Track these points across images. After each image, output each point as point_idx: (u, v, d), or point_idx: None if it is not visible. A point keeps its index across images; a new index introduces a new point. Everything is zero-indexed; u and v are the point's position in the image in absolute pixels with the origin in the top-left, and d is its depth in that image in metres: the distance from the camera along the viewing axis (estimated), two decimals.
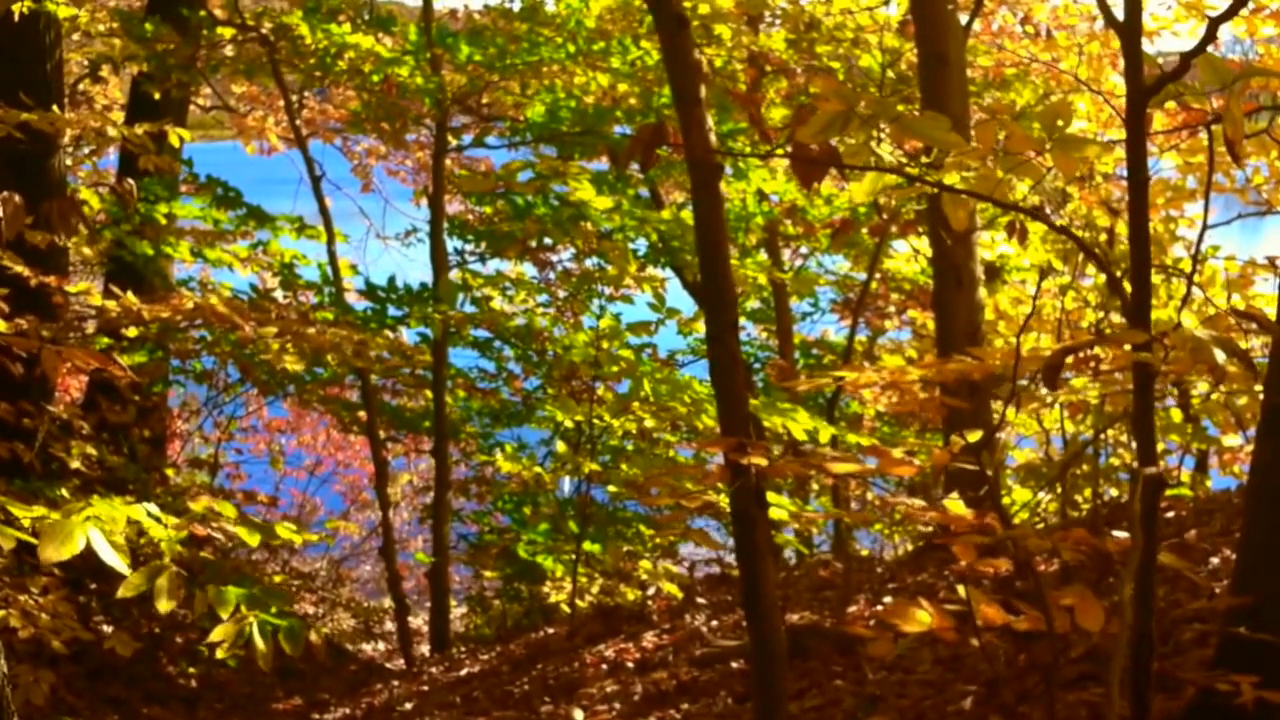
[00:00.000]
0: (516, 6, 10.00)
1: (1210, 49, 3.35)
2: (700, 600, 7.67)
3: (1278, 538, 4.36)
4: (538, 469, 8.40)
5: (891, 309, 12.51)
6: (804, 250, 12.23)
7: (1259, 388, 4.54)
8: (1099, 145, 4.11)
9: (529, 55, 8.82)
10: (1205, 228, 6.68)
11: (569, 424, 8.25)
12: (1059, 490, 9.34)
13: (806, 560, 9.16)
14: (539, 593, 8.69)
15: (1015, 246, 9.59)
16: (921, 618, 3.51)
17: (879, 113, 3.64)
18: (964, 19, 8.44)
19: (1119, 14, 3.13)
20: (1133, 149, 3.01)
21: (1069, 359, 3.65)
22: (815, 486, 10.14)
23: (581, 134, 8.72)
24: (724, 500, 4.79)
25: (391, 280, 8.93)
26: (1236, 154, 3.53)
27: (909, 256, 11.43)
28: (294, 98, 10.92)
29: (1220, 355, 3.18)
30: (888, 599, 6.72)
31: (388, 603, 10.89)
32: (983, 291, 8.22)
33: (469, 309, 9.11)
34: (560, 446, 8.49)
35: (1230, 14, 2.81)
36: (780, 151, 5.46)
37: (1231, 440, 9.39)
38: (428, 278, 9.30)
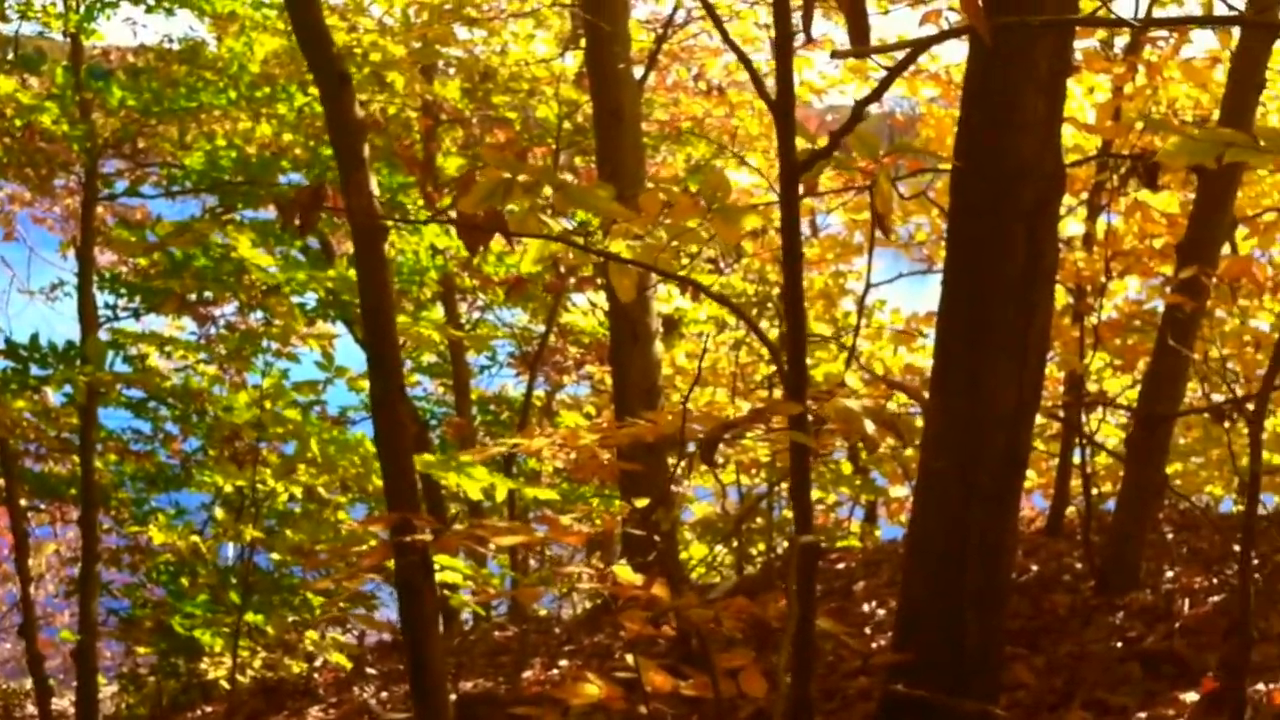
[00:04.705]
0: (176, 47, 9.59)
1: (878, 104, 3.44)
2: (370, 670, 7.44)
3: (933, 597, 4.50)
4: (194, 537, 7.97)
5: (570, 363, 12.54)
6: (481, 303, 12.15)
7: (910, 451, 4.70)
8: (759, 213, 4.15)
9: (188, 100, 8.42)
10: (869, 286, 6.91)
11: (229, 488, 7.88)
12: (735, 544, 9.52)
13: (482, 624, 9.01)
14: (197, 669, 8.24)
15: (691, 301, 9.77)
16: (590, 690, 3.49)
17: (542, 181, 3.58)
18: (639, 72, 8.54)
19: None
20: (787, 225, 3.03)
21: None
22: (493, 546, 9.99)
23: (244, 184, 8.37)
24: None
25: (34, 338, 8.33)
26: (885, 227, 3.62)
27: (586, 310, 11.50)
28: None
29: (870, 425, 3.24)
30: (564, 662, 6.66)
31: (29, 684, 10.13)
32: (659, 346, 8.29)
33: (121, 367, 8.59)
34: (219, 513, 8.10)
35: (875, 97, 2.86)
36: (445, 216, 5.33)
37: (898, 491, 9.75)
38: (75, 334, 8.74)
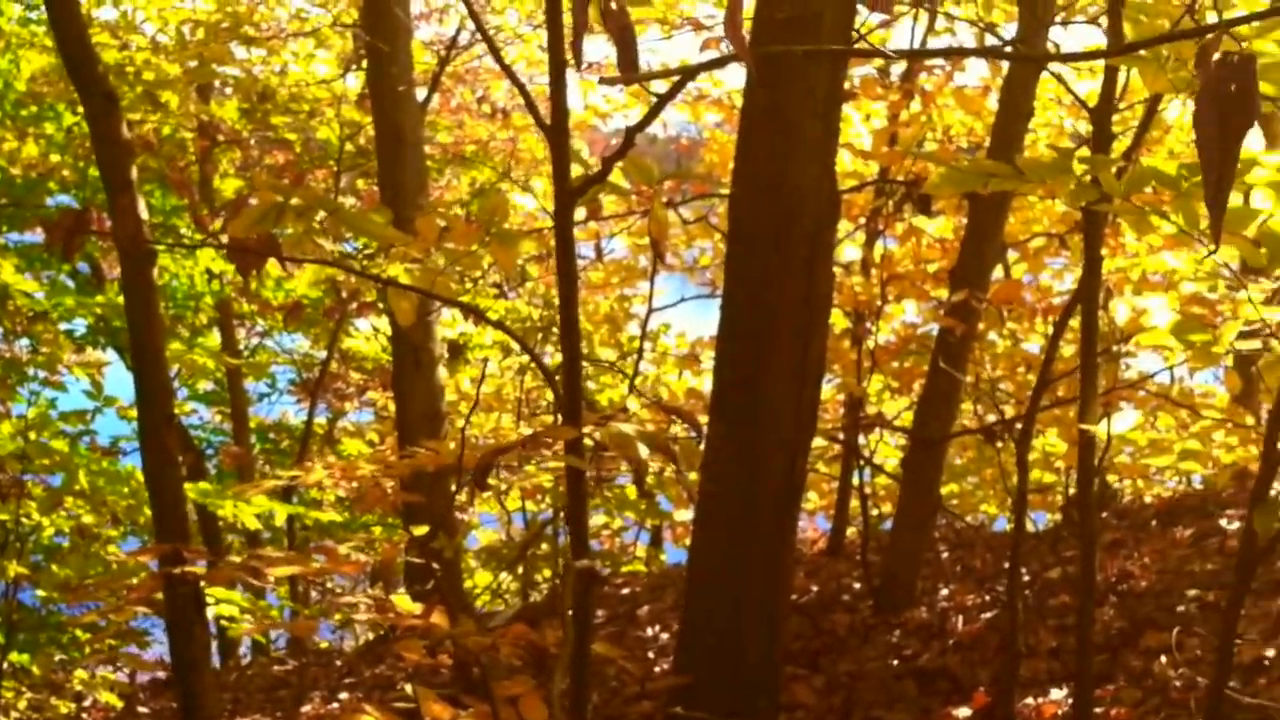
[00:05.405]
0: None
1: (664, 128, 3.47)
2: (142, 709, 7.16)
3: (714, 619, 4.54)
4: None
5: (352, 390, 12.32)
6: (260, 329, 11.85)
7: (695, 475, 4.74)
8: (538, 238, 4.15)
9: None
10: (651, 310, 6.94)
11: None
12: (520, 571, 9.46)
13: (260, 658, 8.76)
14: None
15: (475, 325, 9.69)
16: None
17: (315, 206, 3.51)
18: (422, 94, 8.45)
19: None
20: (561, 250, 3.02)
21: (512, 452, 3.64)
22: (270, 577, 9.73)
23: (9, 206, 8.00)
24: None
25: None
26: (660, 252, 3.65)
27: (369, 335, 11.32)
28: None
29: (644, 450, 3.25)
30: (344, 695, 6.52)
31: None
32: (443, 372, 8.20)
33: None
34: None
35: (645, 123, 2.87)
36: (217, 240, 5.17)
37: (684, 514, 9.80)
38: None
